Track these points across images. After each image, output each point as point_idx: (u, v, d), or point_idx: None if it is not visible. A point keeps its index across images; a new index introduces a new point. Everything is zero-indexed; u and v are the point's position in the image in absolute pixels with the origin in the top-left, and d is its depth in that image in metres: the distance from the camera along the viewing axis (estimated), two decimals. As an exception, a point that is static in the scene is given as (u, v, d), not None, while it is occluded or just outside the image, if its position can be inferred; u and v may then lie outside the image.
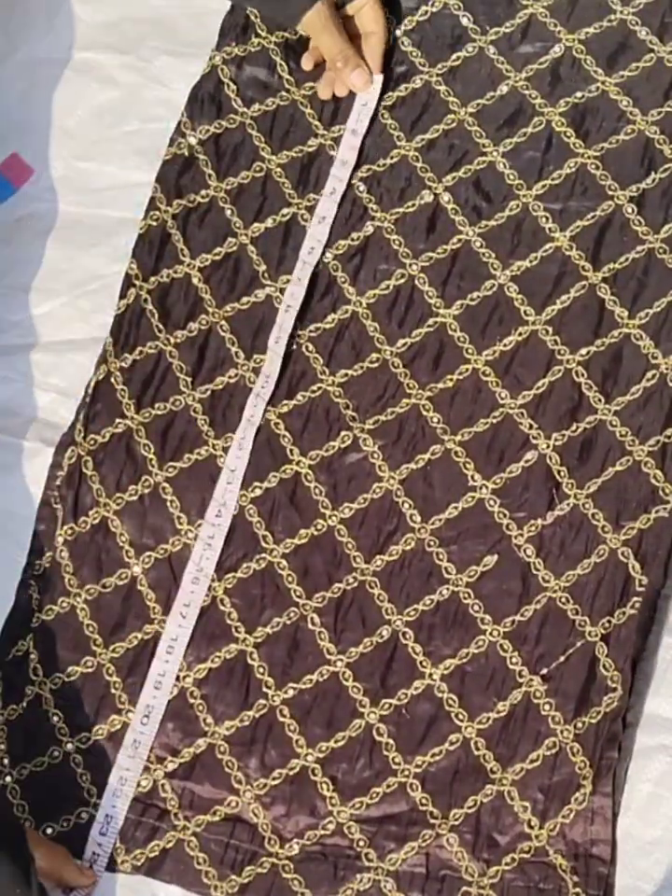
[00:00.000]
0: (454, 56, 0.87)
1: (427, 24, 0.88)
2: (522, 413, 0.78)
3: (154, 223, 0.87)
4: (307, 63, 0.88)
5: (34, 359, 0.86)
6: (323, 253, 0.84)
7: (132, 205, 0.88)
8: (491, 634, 0.74)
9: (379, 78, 0.87)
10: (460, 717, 0.73)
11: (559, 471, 0.76)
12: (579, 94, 0.84)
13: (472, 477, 0.77)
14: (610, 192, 0.81)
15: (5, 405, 0.85)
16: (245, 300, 0.84)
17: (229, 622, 0.77)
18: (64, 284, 0.88)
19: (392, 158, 0.85)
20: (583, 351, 0.78)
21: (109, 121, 0.92)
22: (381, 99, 0.87)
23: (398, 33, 0.88)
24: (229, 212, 0.86)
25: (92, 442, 0.82)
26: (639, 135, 0.82)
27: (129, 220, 0.87)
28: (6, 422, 0.85)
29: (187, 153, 0.88)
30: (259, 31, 0.89)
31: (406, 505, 0.77)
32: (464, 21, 0.87)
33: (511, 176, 0.83)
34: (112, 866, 0.73)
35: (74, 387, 0.84)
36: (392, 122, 0.86)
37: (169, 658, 0.76)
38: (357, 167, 0.85)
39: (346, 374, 0.81)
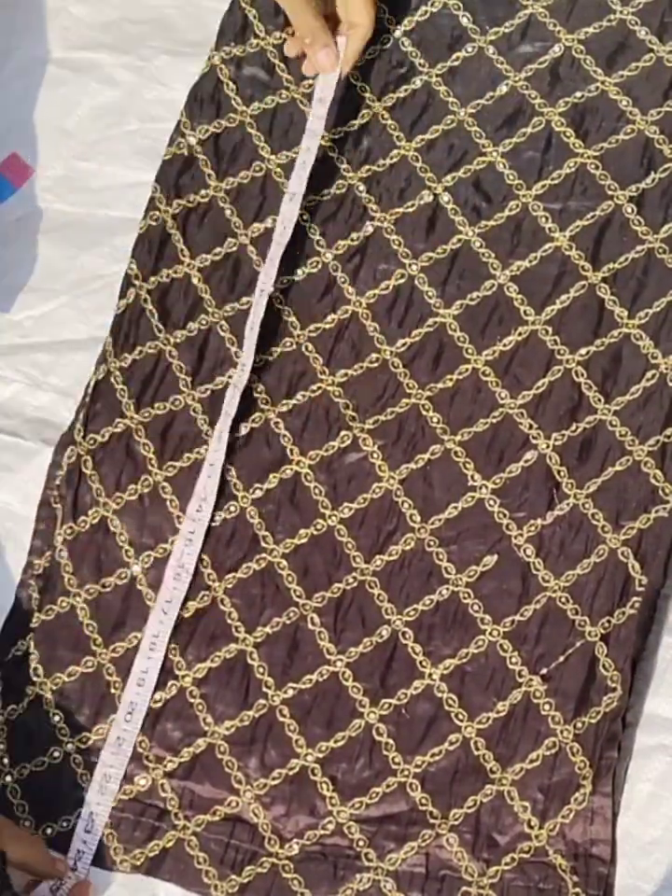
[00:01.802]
0: (453, 56, 0.87)
1: (426, 24, 0.88)
2: (521, 413, 0.78)
3: (154, 223, 0.87)
4: (290, 50, 0.87)
5: (34, 359, 0.86)
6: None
7: (132, 205, 0.88)
8: (491, 634, 0.74)
9: (335, 72, 0.83)
10: (460, 717, 0.73)
11: (559, 471, 0.76)
12: (578, 94, 0.84)
13: (472, 477, 0.77)
14: (610, 192, 0.81)
15: (5, 405, 0.85)
16: (244, 300, 0.84)
17: (229, 621, 0.77)
18: (64, 284, 0.88)
19: (392, 158, 0.85)
20: (583, 351, 0.78)
21: (109, 121, 0.92)
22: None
23: (397, 33, 0.88)
24: (228, 212, 0.86)
25: (92, 442, 0.82)
26: (639, 135, 0.82)
27: (129, 220, 0.87)
28: (6, 422, 0.85)
29: (186, 153, 0.88)
30: (258, 32, 0.89)
31: (406, 505, 0.77)
32: (464, 21, 0.87)
33: (511, 176, 0.83)
34: (111, 866, 0.73)
35: (74, 387, 0.84)
36: (392, 122, 0.86)
37: (152, 655, 0.76)
38: (357, 168, 0.85)
39: (346, 374, 0.81)
